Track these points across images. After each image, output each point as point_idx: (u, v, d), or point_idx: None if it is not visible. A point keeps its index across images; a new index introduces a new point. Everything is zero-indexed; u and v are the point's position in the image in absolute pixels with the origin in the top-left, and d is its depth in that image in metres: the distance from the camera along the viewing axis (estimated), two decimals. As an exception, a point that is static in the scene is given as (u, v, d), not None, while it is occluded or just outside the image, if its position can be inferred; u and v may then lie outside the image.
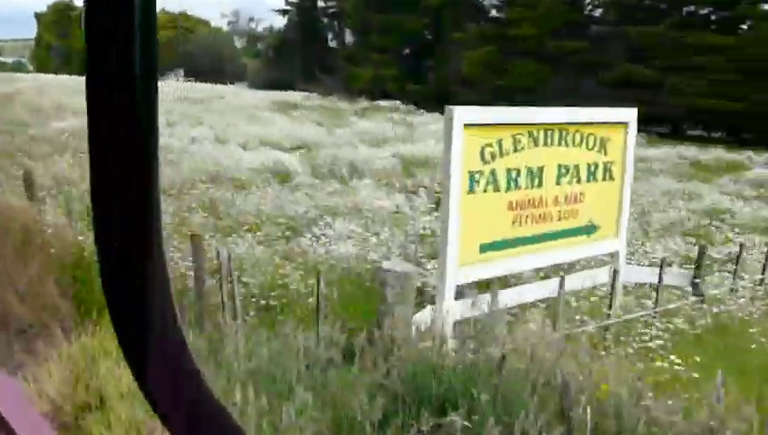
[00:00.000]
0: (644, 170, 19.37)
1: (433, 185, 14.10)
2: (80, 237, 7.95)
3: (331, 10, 66.49)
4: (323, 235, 10.09)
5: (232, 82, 69.39)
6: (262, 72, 70.41)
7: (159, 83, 0.48)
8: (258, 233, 10.35)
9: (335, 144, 21.24)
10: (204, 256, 7.32)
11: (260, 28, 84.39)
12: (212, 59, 76.75)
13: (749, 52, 37.08)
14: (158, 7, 0.48)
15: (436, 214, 11.65)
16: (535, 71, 46.86)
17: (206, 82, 64.49)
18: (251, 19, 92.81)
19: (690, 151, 26.66)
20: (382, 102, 45.49)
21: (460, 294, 6.49)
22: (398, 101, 48.06)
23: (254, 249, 9.28)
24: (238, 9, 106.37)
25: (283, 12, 67.04)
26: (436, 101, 50.83)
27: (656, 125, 42.77)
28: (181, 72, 74.73)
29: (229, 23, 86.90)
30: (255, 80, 68.63)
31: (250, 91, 51.07)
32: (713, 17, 41.29)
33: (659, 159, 23.59)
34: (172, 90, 47.04)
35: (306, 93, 50.65)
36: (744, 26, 40.71)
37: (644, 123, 41.94)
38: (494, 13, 50.80)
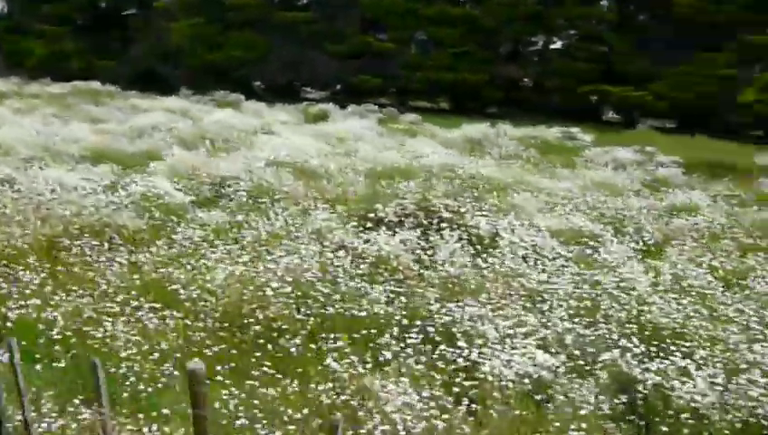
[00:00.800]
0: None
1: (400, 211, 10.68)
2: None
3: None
4: (468, 335, 6.22)
5: None
6: None
7: None
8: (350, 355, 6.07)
9: (138, 154, 15.97)
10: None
11: None
12: None
13: (480, 24, 38.09)
14: None
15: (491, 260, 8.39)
16: (254, 43, 43.32)
17: None
18: None
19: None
20: (93, 84, 38.47)
21: None
22: (98, 82, 41.09)
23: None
24: None
25: None
26: (141, 79, 44.51)
27: (385, 97, 42.33)
28: None
29: None
30: None
31: None
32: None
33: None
34: None
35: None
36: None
37: (375, 95, 41.21)
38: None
